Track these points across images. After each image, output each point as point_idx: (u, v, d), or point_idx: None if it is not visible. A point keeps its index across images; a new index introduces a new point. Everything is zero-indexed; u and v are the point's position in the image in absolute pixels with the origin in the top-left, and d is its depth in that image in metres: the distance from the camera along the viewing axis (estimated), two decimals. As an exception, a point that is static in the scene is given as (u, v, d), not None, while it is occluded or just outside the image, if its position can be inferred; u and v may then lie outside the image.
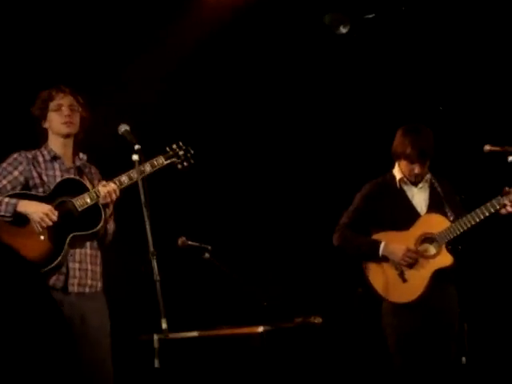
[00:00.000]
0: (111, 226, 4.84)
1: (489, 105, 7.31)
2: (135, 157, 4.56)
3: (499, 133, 6.08)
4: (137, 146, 4.56)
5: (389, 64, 7.43)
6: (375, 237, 5.44)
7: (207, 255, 5.93)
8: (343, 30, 7.23)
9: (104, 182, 4.74)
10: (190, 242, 5.91)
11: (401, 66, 7.42)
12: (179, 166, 4.97)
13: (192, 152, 5.00)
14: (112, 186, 4.71)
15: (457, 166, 6.56)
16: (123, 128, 4.67)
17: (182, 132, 6.59)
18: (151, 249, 4.38)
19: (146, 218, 4.44)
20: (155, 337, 5.77)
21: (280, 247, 7.44)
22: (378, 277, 5.38)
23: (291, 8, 7.07)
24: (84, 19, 6.56)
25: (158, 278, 4.34)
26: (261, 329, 6.12)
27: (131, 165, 4.66)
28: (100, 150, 5.95)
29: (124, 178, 4.75)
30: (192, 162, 4.99)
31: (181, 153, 4.97)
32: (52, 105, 4.77)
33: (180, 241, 5.91)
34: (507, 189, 5.26)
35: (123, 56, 6.73)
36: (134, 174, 4.74)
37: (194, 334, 6.23)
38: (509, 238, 7.03)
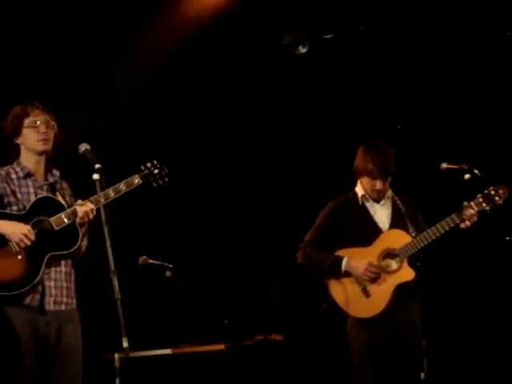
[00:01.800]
0: (84, 243, 4.81)
1: (446, 123, 7.42)
2: (96, 176, 4.52)
3: (456, 151, 6.18)
4: (97, 165, 4.52)
5: (346, 83, 7.51)
6: (338, 253, 5.46)
7: (169, 273, 5.91)
8: (302, 49, 7.30)
9: (80, 201, 4.71)
10: (151, 261, 5.90)
11: (358, 86, 7.50)
12: (154, 185, 4.95)
13: (166, 170, 4.99)
14: (89, 205, 4.68)
15: (414, 183, 6.64)
16: (83, 147, 4.65)
17: (141, 148, 6.68)
18: (112, 267, 4.36)
19: (107, 237, 4.44)
20: (116, 356, 5.75)
21: (241, 264, 7.46)
22: (341, 292, 5.41)
23: (251, 28, 7.13)
24: (46, 35, 6.54)
25: (119, 296, 4.32)
26: (222, 346, 6.14)
27: (93, 184, 4.65)
28: (61, 169, 5.96)
29: (100, 197, 4.75)
30: (166, 180, 4.99)
31: (155, 171, 4.94)
32: (27, 121, 4.73)
33: (141, 259, 5.90)
34: (466, 203, 5.32)
35: (86, 72, 6.73)
36: (111, 192, 4.74)
37: (156, 352, 6.23)
38: (468, 255, 7.13)
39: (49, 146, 4.76)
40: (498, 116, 7.34)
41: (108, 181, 4.60)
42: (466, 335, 7.34)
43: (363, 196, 5.53)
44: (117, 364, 5.70)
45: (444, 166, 5.42)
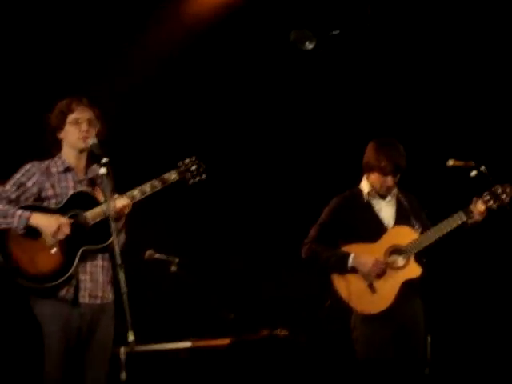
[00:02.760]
0: (122, 238, 4.80)
1: (452, 120, 7.42)
2: (103, 170, 4.54)
3: (462, 147, 6.18)
4: (104, 159, 4.54)
5: (353, 80, 7.52)
6: (344, 249, 5.48)
7: (174, 268, 5.93)
8: (309, 46, 7.30)
9: (116, 196, 4.71)
10: (157, 255, 5.92)
11: (365, 82, 7.51)
12: (190, 181, 4.91)
13: (204, 167, 4.95)
14: (125, 200, 4.69)
15: (420, 180, 6.64)
16: (91, 141, 4.68)
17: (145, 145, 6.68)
18: (118, 261, 4.38)
19: (113, 231, 4.47)
20: (122, 349, 5.77)
21: (248, 259, 7.47)
22: (347, 288, 5.42)
23: (257, 24, 7.13)
24: (45, 36, 6.58)
25: (125, 290, 4.35)
26: (227, 341, 6.15)
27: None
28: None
29: (136, 192, 4.75)
30: (204, 177, 4.94)
31: (193, 168, 4.90)
32: (71, 117, 4.73)
33: (147, 253, 5.92)
34: (475, 199, 5.33)
35: (86, 71, 6.75)
36: (146, 187, 4.75)
37: (161, 346, 6.25)
38: (473, 251, 7.14)
39: (89, 144, 4.75)
40: (506, 112, 7.34)
41: (115, 175, 4.61)
42: (470, 331, 7.34)
43: (369, 192, 5.54)
44: (122, 357, 5.70)
45: (450, 162, 5.42)
